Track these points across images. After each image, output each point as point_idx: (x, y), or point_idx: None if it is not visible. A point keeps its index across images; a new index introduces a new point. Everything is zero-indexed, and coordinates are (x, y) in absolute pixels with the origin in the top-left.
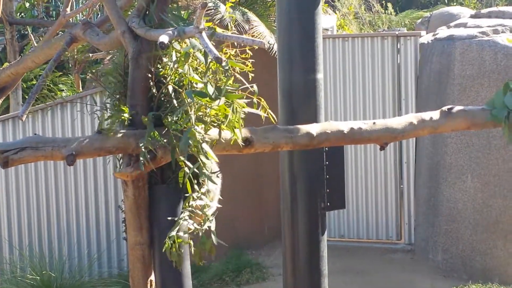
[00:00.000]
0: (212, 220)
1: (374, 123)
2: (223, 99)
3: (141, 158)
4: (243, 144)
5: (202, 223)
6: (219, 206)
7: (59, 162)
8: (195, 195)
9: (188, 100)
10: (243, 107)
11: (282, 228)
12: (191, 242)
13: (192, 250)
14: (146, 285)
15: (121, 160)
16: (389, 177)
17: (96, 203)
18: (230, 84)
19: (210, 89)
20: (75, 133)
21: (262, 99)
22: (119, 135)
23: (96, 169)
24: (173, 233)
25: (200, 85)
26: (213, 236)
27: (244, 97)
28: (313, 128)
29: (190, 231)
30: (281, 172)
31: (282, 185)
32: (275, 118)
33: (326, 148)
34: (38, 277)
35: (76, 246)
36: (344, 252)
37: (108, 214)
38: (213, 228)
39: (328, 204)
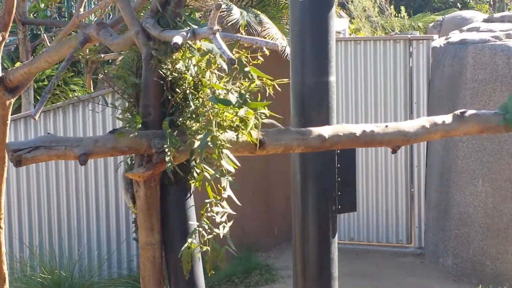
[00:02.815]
0: (227, 228)
1: (386, 126)
2: (244, 109)
3: (167, 165)
4: (255, 145)
5: (218, 231)
6: (234, 213)
7: (70, 162)
8: (214, 201)
9: (209, 106)
10: (266, 115)
11: (292, 230)
12: (209, 249)
13: (211, 255)
14: (157, 285)
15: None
16: (399, 181)
17: (106, 203)
18: (251, 89)
19: (233, 98)
20: (87, 133)
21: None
22: (132, 135)
23: (107, 169)
24: (190, 240)
25: (220, 91)
26: (230, 243)
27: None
28: (325, 131)
29: (205, 239)
30: (292, 174)
31: (293, 187)
32: (279, 89)
33: (338, 151)
34: (49, 276)
35: (86, 247)
36: (353, 255)
37: (119, 215)
38: (228, 236)
39: (339, 206)
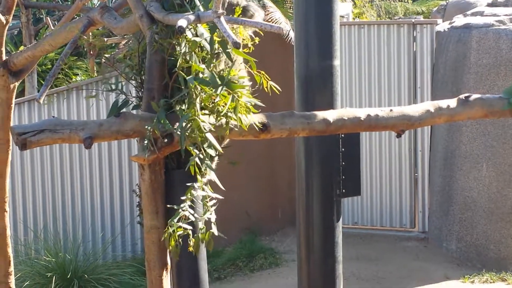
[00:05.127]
0: (212, 212)
1: (391, 110)
2: (221, 88)
3: (145, 142)
4: (260, 129)
5: (203, 214)
6: (221, 197)
7: (75, 145)
8: (196, 185)
9: (193, 88)
10: (248, 96)
11: (296, 214)
12: (190, 232)
13: (191, 241)
14: (162, 268)
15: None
16: (403, 165)
17: (110, 187)
18: (235, 74)
19: (212, 78)
20: (90, 116)
21: (263, 72)
22: (137, 118)
23: (111, 153)
24: (173, 222)
25: (206, 74)
26: (213, 228)
27: (249, 88)
28: (329, 115)
29: (189, 221)
30: (297, 158)
31: (297, 171)
32: (279, 89)
33: (342, 135)
34: (53, 260)
35: (91, 230)
36: (357, 239)
37: (123, 198)
38: (213, 220)
39: (343, 190)
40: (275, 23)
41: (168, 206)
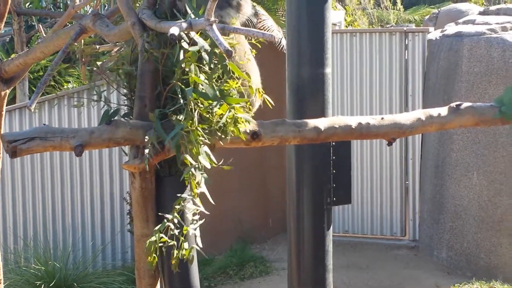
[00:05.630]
0: (196, 226)
1: (382, 118)
2: (216, 102)
3: (146, 153)
4: (251, 137)
5: (187, 227)
6: (207, 213)
7: (65, 153)
8: (187, 195)
9: (192, 99)
10: (239, 111)
11: (287, 222)
12: (175, 244)
13: (174, 253)
14: (152, 277)
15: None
16: (394, 173)
17: (101, 195)
18: (234, 87)
19: (211, 91)
20: (82, 124)
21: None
22: (128, 126)
23: (101, 161)
24: (157, 233)
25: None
26: (198, 242)
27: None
28: (321, 122)
29: (172, 234)
30: (288, 166)
31: (288, 179)
32: (272, 103)
33: (333, 143)
34: (42, 268)
35: (81, 238)
36: (348, 248)
37: (113, 207)
38: (197, 234)
39: (334, 199)
40: (268, 30)
41: (159, 214)
